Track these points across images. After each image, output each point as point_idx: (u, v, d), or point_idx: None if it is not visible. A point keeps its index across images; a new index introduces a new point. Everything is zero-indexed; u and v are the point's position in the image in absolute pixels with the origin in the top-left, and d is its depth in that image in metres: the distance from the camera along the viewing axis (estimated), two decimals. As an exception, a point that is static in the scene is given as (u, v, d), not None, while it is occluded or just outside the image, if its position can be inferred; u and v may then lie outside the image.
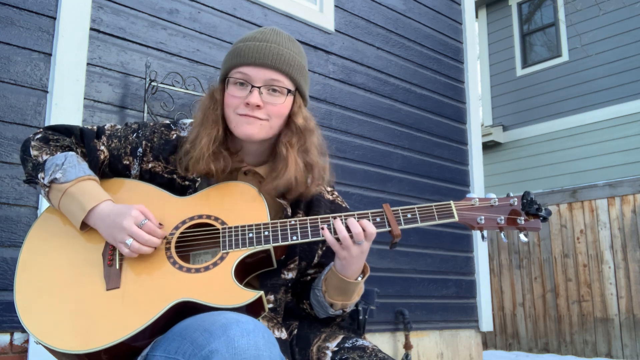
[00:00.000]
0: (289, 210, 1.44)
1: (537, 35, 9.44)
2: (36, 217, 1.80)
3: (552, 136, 8.69)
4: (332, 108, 3.97)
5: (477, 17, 9.67)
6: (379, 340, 3.97)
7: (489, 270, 5.02)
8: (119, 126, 1.48)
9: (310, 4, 4.00)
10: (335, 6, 4.11)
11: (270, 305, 1.38)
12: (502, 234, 1.38)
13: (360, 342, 1.35)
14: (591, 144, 8.23)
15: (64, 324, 1.21)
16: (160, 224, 1.31)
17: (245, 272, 1.33)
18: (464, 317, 4.59)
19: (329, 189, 1.55)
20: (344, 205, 1.55)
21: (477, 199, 1.38)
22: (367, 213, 1.34)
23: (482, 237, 1.39)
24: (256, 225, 1.31)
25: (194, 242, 1.35)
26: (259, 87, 1.34)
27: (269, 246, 1.30)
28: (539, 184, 8.43)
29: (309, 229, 1.32)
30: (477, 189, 4.87)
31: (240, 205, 1.36)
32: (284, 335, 1.37)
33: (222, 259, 1.27)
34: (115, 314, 1.20)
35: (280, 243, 1.30)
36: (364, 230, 1.30)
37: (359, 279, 1.39)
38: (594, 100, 8.34)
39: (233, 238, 1.30)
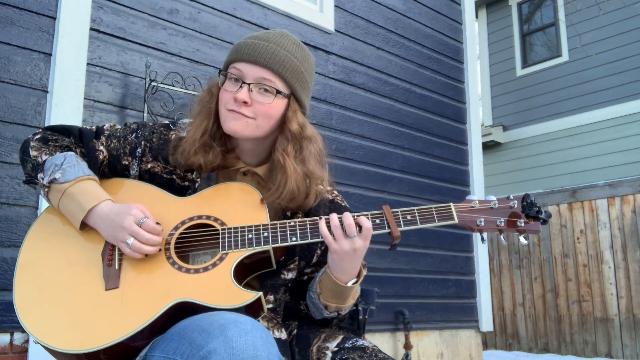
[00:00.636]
0: (289, 211, 1.44)
1: (537, 35, 9.43)
2: (36, 217, 1.80)
3: (552, 136, 8.69)
4: (332, 108, 3.97)
5: (477, 17, 9.67)
6: (379, 340, 3.97)
7: (489, 270, 5.02)
8: (118, 126, 1.48)
9: (310, 4, 4.00)
10: (335, 6, 4.11)
11: (270, 306, 1.38)
12: (501, 237, 1.37)
13: (360, 342, 1.35)
14: (591, 144, 8.22)
15: (63, 323, 1.21)
16: (157, 223, 1.31)
17: (245, 272, 1.33)
18: (464, 317, 4.59)
19: (328, 188, 1.54)
20: (343, 204, 1.55)
21: (477, 201, 1.37)
22: (367, 214, 1.34)
23: (482, 239, 1.39)
24: (255, 226, 1.31)
25: (193, 243, 1.34)
26: (248, 84, 1.34)
27: (269, 247, 1.30)
28: (539, 184, 8.43)
29: (308, 230, 1.32)
30: (477, 189, 4.87)
31: (239, 206, 1.36)
32: (283, 335, 1.37)
33: (221, 259, 1.27)
34: (114, 314, 1.20)
35: (280, 244, 1.30)
36: (359, 225, 1.29)
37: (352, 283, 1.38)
38: (594, 100, 8.34)
39: (232, 239, 1.30)
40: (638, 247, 6.04)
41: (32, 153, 1.37)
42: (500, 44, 9.76)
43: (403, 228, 1.34)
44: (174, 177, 1.43)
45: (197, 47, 3.28)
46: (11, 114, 2.58)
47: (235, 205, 1.36)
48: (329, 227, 1.30)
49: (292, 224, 1.32)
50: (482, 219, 1.35)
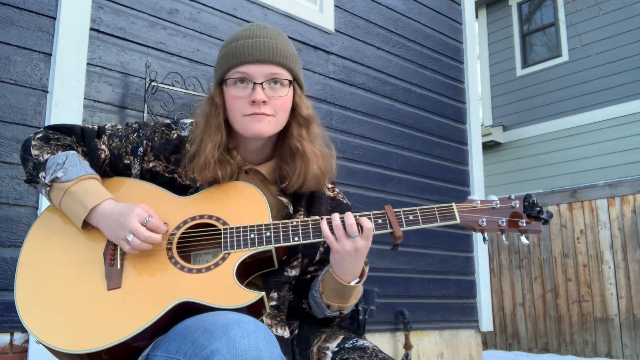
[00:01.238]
0: (291, 209, 1.44)
1: (537, 35, 9.44)
2: (36, 217, 1.80)
3: (552, 136, 8.69)
4: (332, 108, 3.96)
5: (477, 17, 9.67)
6: (379, 340, 3.97)
7: (489, 270, 5.02)
8: (119, 126, 1.48)
9: (310, 4, 4.00)
10: (335, 6, 4.10)
11: (274, 303, 1.37)
12: (503, 237, 1.37)
13: (360, 342, 1.35)
14: (591, 144, 8.23)
15: (65, 323, 1.20)
16: (165, 223, 1.31)
17: (247, 272, 1.33)
18: (464, 317, 4.59)
19: (329, 185, 1.54)
20: (344, 201, 1.55)
21: (479, 201, 1.37)
22: (369, 214, 1.34)
23: (484, 239, 1.38)
24: (258, 225, 1.31)
25: (195, 242, 1.34)
26: (261, 83, 1.34)
27: (271, 247, 1.30)
28: (539, 184, 8.43)
29: (310, 230, 1.32)
30: (477, 189, 4.87)
31: (241, 206, 1.35)
32: (286, 334, 1.37)
33: (223, 259, 1.27)
34: (116, 314, 1.20)
35: (282, 244, 1.30)
36: (360, 225, 1.29)
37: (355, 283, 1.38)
38: (594, 100, 8.34)
39: (235, 238, 1.29)
40: (638, 247, 6.04)
41: (34, 152, 1.36)
42: (500, 44, 9.76)
43: (405, 228, 1.34)
44: (176, 176, 1.43)
45: (197, 47, 3.28)
46: (11, 114, 2.58)
47: (237, 204, 1.36)
48: (330, 227, 1.30)
49: (294, 224, 1.32)
50: (484, 219, 1.35)
